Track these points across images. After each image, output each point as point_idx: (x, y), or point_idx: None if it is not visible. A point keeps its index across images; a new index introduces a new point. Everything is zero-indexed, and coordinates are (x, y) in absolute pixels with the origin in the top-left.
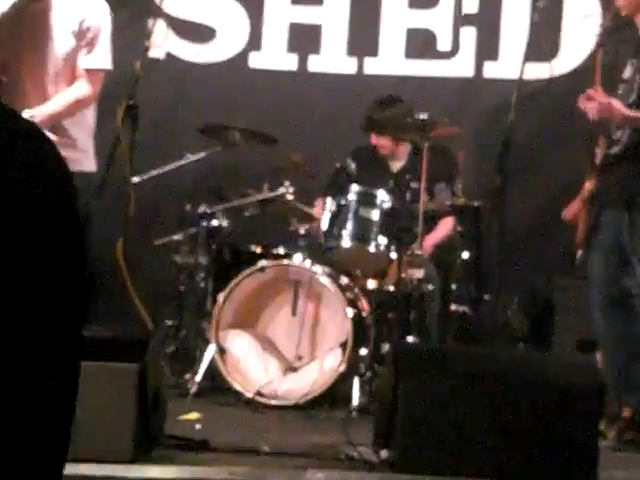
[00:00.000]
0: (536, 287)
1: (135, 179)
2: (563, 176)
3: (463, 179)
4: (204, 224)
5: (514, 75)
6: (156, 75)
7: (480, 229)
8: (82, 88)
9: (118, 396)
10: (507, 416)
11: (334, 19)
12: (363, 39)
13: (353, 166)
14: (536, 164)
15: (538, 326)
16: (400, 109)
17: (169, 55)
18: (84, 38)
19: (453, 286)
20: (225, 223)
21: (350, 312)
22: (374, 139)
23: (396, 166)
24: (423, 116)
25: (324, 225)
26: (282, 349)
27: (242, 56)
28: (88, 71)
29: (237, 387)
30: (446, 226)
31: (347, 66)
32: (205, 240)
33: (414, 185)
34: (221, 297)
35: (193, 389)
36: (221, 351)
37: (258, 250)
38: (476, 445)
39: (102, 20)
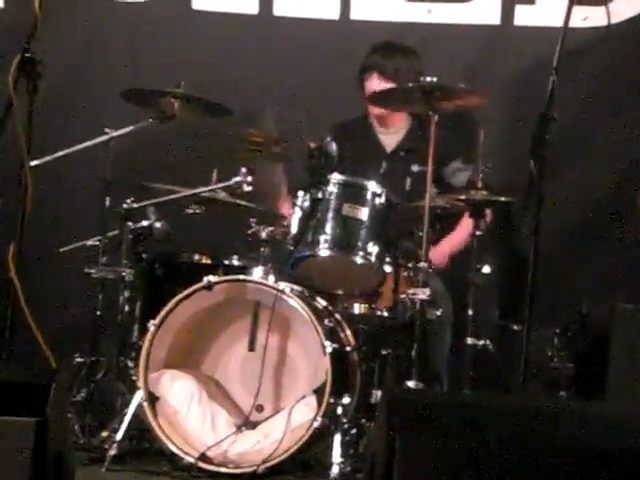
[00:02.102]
0: (586, 314)
1: (34, 162)
2: (624, 160)
3: (484, 164)
4: (129, 225)
5: (557, 22)
6: (64, 16)
7: (507, 233)
8: None
9: (6, 463)
10: None
11: None
12: None
13: (334, 147)
14: (586, 144)
15: (588, 368)
16: (408, 61)
17: None
18: None
19: (470, 311)
20: (158, 224)
21: (329, 346)
22: (373, 83)
23: (391, 143)
24: (430, 79)
25: (294, 228)
26: (235, 397)
27: None
28: None
29: (173, 449)
30: (467, 229)
31: (327, 10)
32: (131, 247)
33: (415, 168)
34: (152, 325)
35: (112, 451)
36: (152, 399)
37: (204, 261)
38: None
39: None
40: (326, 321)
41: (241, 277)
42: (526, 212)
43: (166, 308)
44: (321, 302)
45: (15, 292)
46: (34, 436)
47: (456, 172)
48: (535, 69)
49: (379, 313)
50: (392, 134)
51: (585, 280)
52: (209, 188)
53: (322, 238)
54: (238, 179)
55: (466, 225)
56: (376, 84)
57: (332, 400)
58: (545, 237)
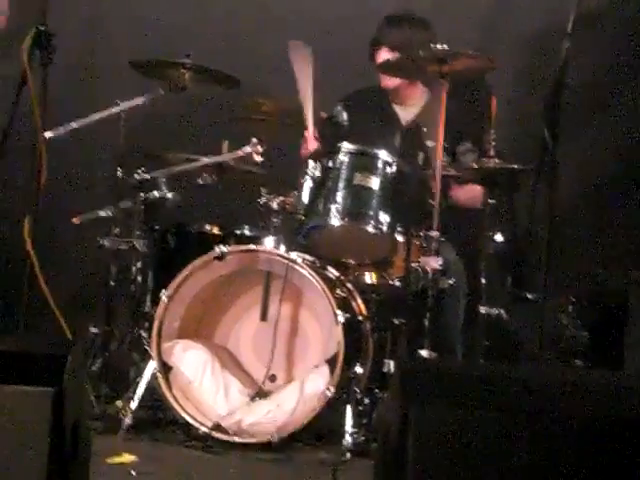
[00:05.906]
0: (601, 283)
1: (48, 134)
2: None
3: (496, 133)
4: (142, 196)
5: None
6: None
7: (520, 202)
8: None
9: (24, 431)
10: (561, 465)
11: None
12: None
13: (345, 116)
14: (601, 111)
15: (604, 337)
16: (418, 33)
17: None
18: None
19: (483, 280)
20: (170, 195)
21: (341, 316)
22: (382, 56)
23: (407, 116)
24: (441, 46)
25: (305, 197)
26: (248, 367)
27: None
28: None
29: (187, 418)
30: (474, 191)
31: None
32: (143, 218)
33: (430, 144)
34: (165, 296)
35: (127, 421)
36: (165, 369)
37: (215, 231)
38: None
39: None
40: (338, 291)
41: (253, 247)
42: (539, 179)
43: (178, 278)
44: (333, 272)
45: (31, 265)
46: (51, 405)
47: (465, 153)
48: (548, 34)
49: (391, 282)
50: (409, 107)
51: (600, 248)
52: (220, 158)
53: (333, 207)
54: (248, 149)
55: (473, 190)
56: (385, 57)
57: (345, 370)
58: (559, 204)
